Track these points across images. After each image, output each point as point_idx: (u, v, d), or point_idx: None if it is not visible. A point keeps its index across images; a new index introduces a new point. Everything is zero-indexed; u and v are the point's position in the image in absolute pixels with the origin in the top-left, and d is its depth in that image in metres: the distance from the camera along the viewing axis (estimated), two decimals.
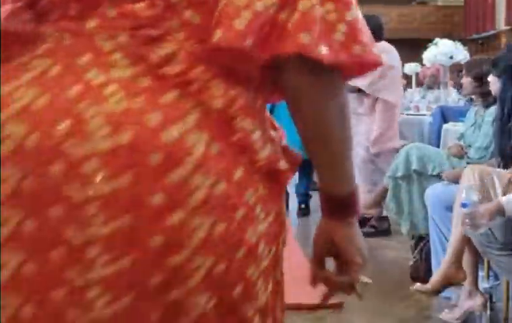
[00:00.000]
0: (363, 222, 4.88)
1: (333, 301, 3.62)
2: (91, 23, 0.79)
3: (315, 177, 6.45)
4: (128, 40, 0.78)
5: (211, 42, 0.77)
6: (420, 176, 3.82)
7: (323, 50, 0.78)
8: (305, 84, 0.82)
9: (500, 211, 2.61)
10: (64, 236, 0.73)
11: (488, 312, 2.98)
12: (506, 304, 2.92)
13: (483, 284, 2.96)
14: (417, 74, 8.05)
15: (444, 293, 3.11)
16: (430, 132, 6.39)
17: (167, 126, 0.75)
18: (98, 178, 0.73)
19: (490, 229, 2.62)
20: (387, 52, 4.74)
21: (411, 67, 7.93)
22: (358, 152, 4.86)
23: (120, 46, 0.78)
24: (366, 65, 0.87)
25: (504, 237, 2.61)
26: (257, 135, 0.83)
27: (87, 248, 0.73)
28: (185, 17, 0.79)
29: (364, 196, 4.68)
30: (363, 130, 4.81)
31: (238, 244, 0.80)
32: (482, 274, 2.98)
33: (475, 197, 2.66)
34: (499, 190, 2.83)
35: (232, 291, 0.81)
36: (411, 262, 3.68)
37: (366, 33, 0.86)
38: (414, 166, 3.82)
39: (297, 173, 5.57)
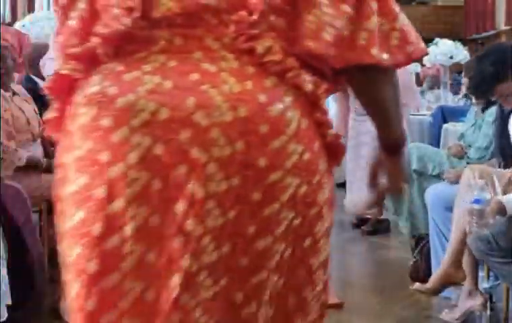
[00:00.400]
0: (363, 222, 4.89)
1: (333, 301, 3.63)
2: (198, 30, 1.00)
3: None
4: (231, 41, 0.99)
5: (305, 46, 1.00)
6: (420, 176, 3.82)
7: (385, 56, 1.06)
8: (372, 78, 1.09)
9: (502, 210, 2.61)
10: (186, 192, 0.93)
11: (488, 312, 2.98)
12: (506, 304, 2.91)
13: (483, 284, 2.96)
14: (417, 74, 8.06)
15: (444, 293, 3.11)
16: (430, 132, 6.39)
17: (272, 104, 0.97)
18: (220, 143, 0.93)
19: (492, 235, 2.61)
20: None
21: (411, 67, 7.93)
22: (362, 152, 4.85)
23: (225, 46, 0.99)
24: (415, 56, 1.14)
25: (507, 243, 2.60)
26: (328, 115, 1.07)
27: (207, 201, 0.93)
28: (271, 21, 1.01)
29: (364, 196, 4.69)
30: (367, 130, 4.82)
31: (313, 204, 1.02)
32: (481, 274, 2.98)
33: (488, 195, 2.66)
34: (499, 190, 2.83)
35: (303, 242, 1.04)
36: (411, 262, 3.68)
37: (413, 33, 1.12)
38: (414, 166, 3.82)
39: None
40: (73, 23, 1.07)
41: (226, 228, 0.95)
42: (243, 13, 1.00)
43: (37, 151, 3.56)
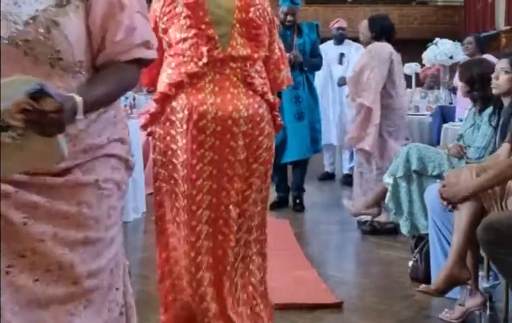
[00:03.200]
0: (363, 222, 4.89)
1: (333, 301, 3.63)
2: (227, 70, 2.35)
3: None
4: (243, 78, 2.37)
5: (279, 81, 2.58)
6: (420, 176, 3.83)
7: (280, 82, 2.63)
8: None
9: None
10: (231, 144, 2.33)
11: (488, 312, 2.98)
12: (506, 304, 2.92)
13: (483, 284, 2.96)
14: (417, 74, 8.05)
15: (448, 293, 3.10)
16: (430, 132, 6.40)
17: (259, 108, 2.40)
18: (243, 125, 2.36)
19: (501, 226, 2.61)
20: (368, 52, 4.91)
21: (411, 67, 7.93)
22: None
23: (239, 80, 2.36)
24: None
25: None
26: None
27: (239, 148, 2.37)
28: (259, 67, 2.45)
29: (364, 196, 4.69)
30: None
31: (269, 147, 2.47)
32: (482, 274, 2.98)
33: None
34: (497, 188, 2.84)
35: (266, 159, 2.46)
36: (411, 262, 3.68)
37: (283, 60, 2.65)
38: (414, 166, 3.82)
39: (291, 170, 5.57)
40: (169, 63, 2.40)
41: (247, 158, 2.40)
42: (250, 63, 2.38)
43: None
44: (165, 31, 2.36)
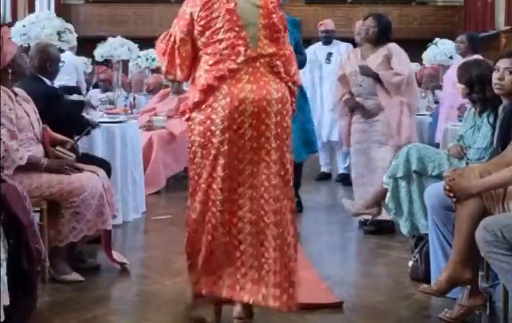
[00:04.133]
0: (363, 222, 4.89)
1: (333, 301, 3.63)
2: (257, 63, 2.78)
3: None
4: (271, 69, 2.81)
5: (292, 73, 2.92)
6: (420, 177, 3.82)
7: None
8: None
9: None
10: (266, 121, 2.75)
11: (488, 312, 2.99)
12: (506, 304, 2.92)
13: (482, 284, 2.97)
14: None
15: (449, 293, 3.10)
16: (430, 132, 6.40)
17: (285, 92, 2.83)
18: (274, 104, 2.77)
19: (500, 230, 2.62)
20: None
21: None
22: (372, 155, 4.82)
23: (268, 70, 2.80)
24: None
25: None
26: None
27: (273, 125, 2.78)
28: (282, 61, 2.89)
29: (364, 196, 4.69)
30: (375, 133, 4.82)
31: (287, 123, 2.86)
32: (481, 274, 2.98)
33: None
34: (500, 189, 2.84)
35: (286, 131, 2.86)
36: (411, 262, 3.68)
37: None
38: (414, 167, 3.82)
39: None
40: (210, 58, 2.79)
41: (279, 133, 2.79)
42: (275, 58, 2.82)
43: (37, 151, 3.57)
44: (201, 33, 2.77)
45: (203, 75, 2.76)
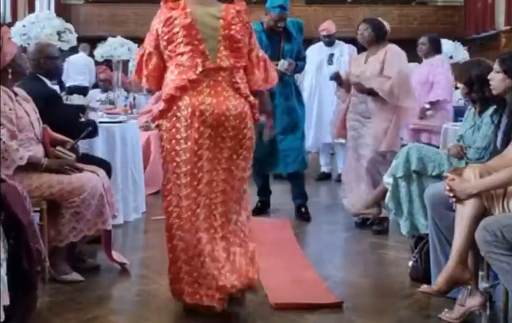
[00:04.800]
0: (363, 222, 4.89)
1: (333, 301, 3.63)
2: (219, 77, 3.03)
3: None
4: (231, 83, 3.05)
5: (258, 83, 3.21)
6: (420, 176, 3.82)
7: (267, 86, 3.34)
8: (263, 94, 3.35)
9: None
10: (222, 134, 3.00)
11: (488, 312, 2.99)
12: (506, 304, 2.92)
13: (483, 284, 2.96)
14: None
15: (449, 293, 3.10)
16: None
17: (244, 107, 3.06)
18: (232, 120, 3.02)
19: (500, 230, 2.62)
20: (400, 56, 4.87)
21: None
22: (363, 152, 4.85)
23: (228, 85, 3.05)
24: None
25: None
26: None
27: (228, 138, 3.04)
28: (241, 75, 3.11)
29: (365, 196, 4.69)
30: (368, 132, 4.83)
31: (250, 134, 3.11)
32: (481, 274, 2.98)
33: None
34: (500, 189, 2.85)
35: (245, 144, 3.10)
36: (411, 262, 3.68)
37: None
38: (414, 167, 3.82)
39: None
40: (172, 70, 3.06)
41: (234, 145, 3.04)
42: (235, 71, 3.06)
43: (37, 151, 3.57)
44: (166, 47, 3.05)
45: (169, 85, 3.03)
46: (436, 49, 5.98)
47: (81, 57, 10.35)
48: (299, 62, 5.24)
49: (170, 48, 3.03)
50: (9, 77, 3.43)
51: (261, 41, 5.16)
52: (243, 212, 3.16)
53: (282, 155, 5.17)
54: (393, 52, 4.85)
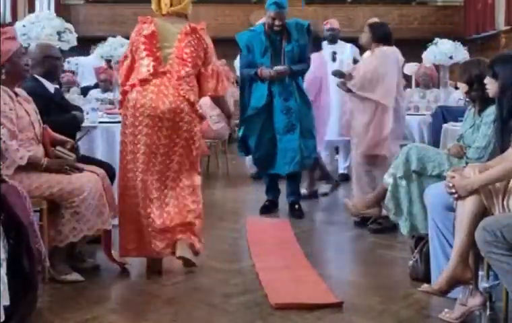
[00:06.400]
0: (363, 222, 4.89)
1: (333, 301, 3.64)
2: (164, 79, 3.71)
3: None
4: (175, 85, 3.70)
5: (209, 90, 3.91)
6: (420, 176, 3.82)
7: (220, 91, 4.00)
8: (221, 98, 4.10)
9: None
10: (156, 126, 3.68)
11: (488, 312, 2.98)
12: (506, 304, 2.92)
13: (483, 284, 2.96)
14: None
15: (450, 293, 3.10)
16: (430, 132, 6.40)
17: (181, 103, 3.69)
18: (167, 113, 3.66)
19: (500, 230, 2.62)
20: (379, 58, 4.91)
21: (410, 67, 7.92)
22: (352, 154, 4.92)
23: (171, 85, 3.70)
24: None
25: None
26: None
27: (162, 131, 3.71)
28: (190, 79, 3.77)
29: (364, 196, 4.69)
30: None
31: (192, 129, 3.77)
32: (481, 273, 2.98)
33: None
34: (499, 187, 2.84)
35: (188, 138, 3.77)
36: (411, 262, 3.68)
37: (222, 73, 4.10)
38: (414, 167, 3.82)
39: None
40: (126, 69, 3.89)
41: (170, 134, 3.70)
42: (183, 77, 3.72)
43: (37, 151, 3.56)
44: (135, 51, 3.82)
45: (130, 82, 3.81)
46: (316, 48, 6.02)
47: (92, 59, 10.43)
48: (301, 64, 5.22)
49: (137, 52, 3.78)
50: (3, 76, 3.37)
51: (261, 42, 5.18)
52: (183, 184, 3.80)
53: (280, 156, 5.19)
54: (378, 53, 4.94)
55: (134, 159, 3.69)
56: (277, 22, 5.08)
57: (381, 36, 4.98)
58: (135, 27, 3.85)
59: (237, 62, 7.11)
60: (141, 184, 3.69)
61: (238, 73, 6.90)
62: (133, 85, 3.71)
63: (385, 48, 4.95)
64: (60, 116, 4.09)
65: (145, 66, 3.71)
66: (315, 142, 5.47)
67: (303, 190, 5.84)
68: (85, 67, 9.49)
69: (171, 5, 3.80)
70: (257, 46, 5.21)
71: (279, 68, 5.09)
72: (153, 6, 3.86)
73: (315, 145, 5.46)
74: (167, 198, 3.76)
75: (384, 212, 4.35)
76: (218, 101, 4.14)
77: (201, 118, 3.84)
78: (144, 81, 3.68)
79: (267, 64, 5.13)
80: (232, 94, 7.72)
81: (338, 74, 5.15)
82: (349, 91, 5.03)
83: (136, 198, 3.70)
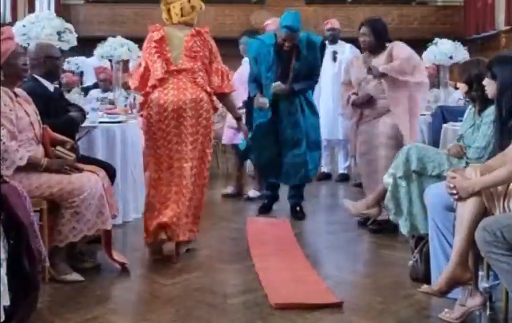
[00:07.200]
0: (363, 222, 4.89)
1: (333, 301, 3.64)
2: (181, 76, 4.14)
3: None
4: (192, 79, 4.14)
5: (214, 85, 4.24)
6: (420, 176, 3.82)
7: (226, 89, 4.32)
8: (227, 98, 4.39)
9: None
10: (182, 120, 4.10)
11: (488, 312, 2.99)
12: (506, 304, 2.92)
13: (483, 284, 2.96)
14: None
15: (450, 294, 3.10)
16: (430, 132, 6.40)
17: (200, 95, 4.12)
18: (189, 105, 4.08)
19: (500, 231, 2.62)
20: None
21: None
22: (379, 153, 4.81)
23: (189, 80, 4.13)
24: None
25: None
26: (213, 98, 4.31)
27: (188, 121, 4.12)
28: (202, 73, 4.19)
29: (365, 197, 4.68)
30: (380, 132, 4.81)
31: (208, 118, 4.19)
32: (481, 273, 2.98)
33: None
34: (499, 189, 2.84)
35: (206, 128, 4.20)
36: (411, 262, 3.68)
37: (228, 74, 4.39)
38: (414, 167, 3.81)
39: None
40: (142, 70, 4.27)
41: (193, 124, 4.10)
42: (195, 71, 4.15)
43: (37, 151, 3.56)
44: (148, 57, 4.19)
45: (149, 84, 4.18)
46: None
47: (96, 60, 10.44)
48: (306, 81, 5.20)
49: (150, 58, 4.17)
50: (2, 78, 3.36)
51: (269, 55, 5.13)
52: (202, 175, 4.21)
53: (285, 169, 5.20)
54: (398, 43, 4.90)
55: (167, 150, 4.08)
56: (287, 44, 5.06)
57: (384, 38, 4.93)
58: (147, 37, 4.23)
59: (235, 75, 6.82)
60: (178, 172, 4.08)
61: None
62: (153, 87, 4.09)
63: (400, 42, 4.93)
64: (56, 119, 4.06)
65: (158, 67, 4.09)
66: (321, 153, 5.51)
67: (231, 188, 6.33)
68: (89, 68, 9.50)
69: (182, 16, 4.21)
70: (264, 59, 5.18)
71: (278, 88, 5.10)
72: (164, 15, 4.27)
73: (320, 155, 5.52)
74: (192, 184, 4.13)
75: (384, 213, 4.35)
76: (225, 101, 4.38)
77: (215, 109, 4.24)
78: (162, 81, 4.08)
79: (271, 80, 5.13)
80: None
81: (374, 71, 4.93)
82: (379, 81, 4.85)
83: (168, 186, 4.10)
